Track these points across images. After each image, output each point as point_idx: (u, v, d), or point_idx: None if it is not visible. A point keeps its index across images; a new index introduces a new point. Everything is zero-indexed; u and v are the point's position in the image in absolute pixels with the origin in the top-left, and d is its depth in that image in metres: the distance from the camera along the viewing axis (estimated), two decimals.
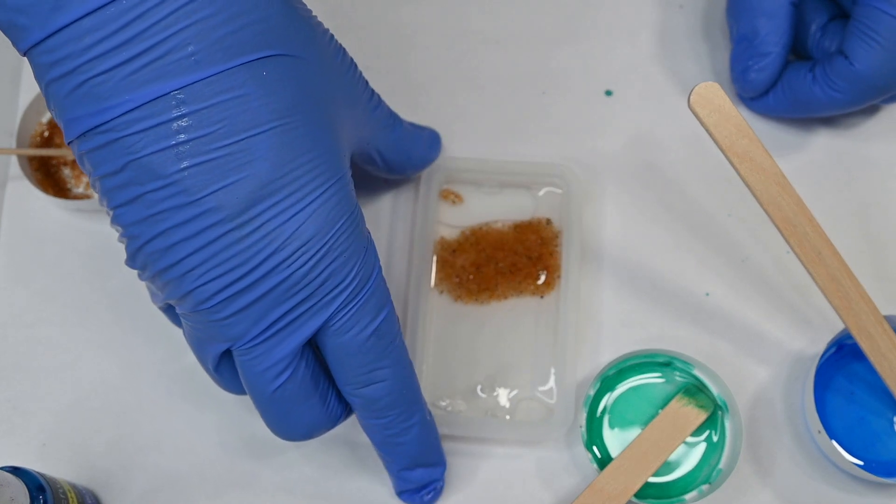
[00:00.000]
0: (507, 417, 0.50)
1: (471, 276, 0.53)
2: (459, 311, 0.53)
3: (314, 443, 0.51)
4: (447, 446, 0.51)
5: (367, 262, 0.41)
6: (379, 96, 0.48)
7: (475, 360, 0.52)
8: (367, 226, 0.55)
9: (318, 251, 0.39)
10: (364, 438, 0.51)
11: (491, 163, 0.55)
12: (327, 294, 0.40)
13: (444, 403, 0.51)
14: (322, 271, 0.39)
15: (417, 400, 0.44)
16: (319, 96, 0.40)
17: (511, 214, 0.54)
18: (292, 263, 0.38)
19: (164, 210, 0.37)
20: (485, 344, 0.52)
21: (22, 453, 0.51)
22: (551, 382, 0.51)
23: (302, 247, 0.38)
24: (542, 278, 0.53)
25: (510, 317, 0.52)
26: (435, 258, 0.53)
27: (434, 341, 0.52)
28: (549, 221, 0.54)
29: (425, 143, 0.54)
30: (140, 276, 0.41)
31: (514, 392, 0.51)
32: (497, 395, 0.51)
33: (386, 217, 0.55)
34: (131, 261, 0.40)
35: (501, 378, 0.51)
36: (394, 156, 0.51)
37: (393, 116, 0.50)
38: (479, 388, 0.51)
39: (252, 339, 0.40)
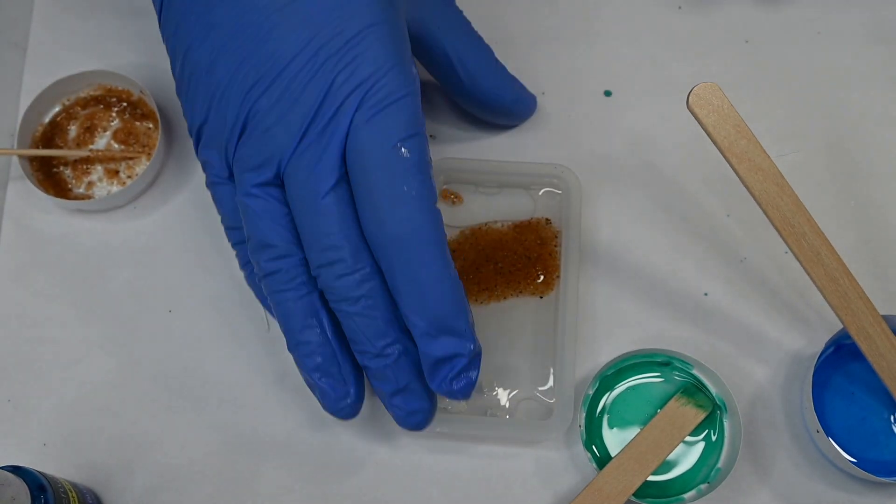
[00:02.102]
0: (507, 417, 0.51)
1: (470, 277, 0.53)
2: None
3: (314, 444, 0.51)
4: (447, 445, 0.51)
5: (400, 73, 0.42)
6: (459, 9, 0.51)
7: None
8: None
9: (351, 39, 0.41)
10: (365, 441, 0.51)
11: (490, 163, 0.55)
12: (357, 86, 0.41)
13: (444, 403, 0.51)
14: (353, 60, 0.41)
15: (439, 245, 0.43)
16: None
17: (510, 215, 0.54)
18: (328, 50, 0.41)
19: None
20: (484, 344, 0.52)
21: (23, 453, 0.51)
22: (551, 382, 0.51)
23: (337, 35, 0.41)
24: (542, 278, 0.53)
25: (509, 317, 0.52)
26: None
27: None
28: (548, 221, 0.54)
29: (519, 85, 0.54)
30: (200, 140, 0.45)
31: (514, 392, 0.51)
32: (497, 395, 0.51)
33: None
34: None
35: (501, 378, 0.51)
36: (476, 67, 0.51)
37: (476, 33, 0.52)
38: (478, 387, 0.51)
39: (296, 147, 0.42)
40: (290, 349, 0.46)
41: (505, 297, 0.53)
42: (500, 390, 0.51)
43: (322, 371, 0.45)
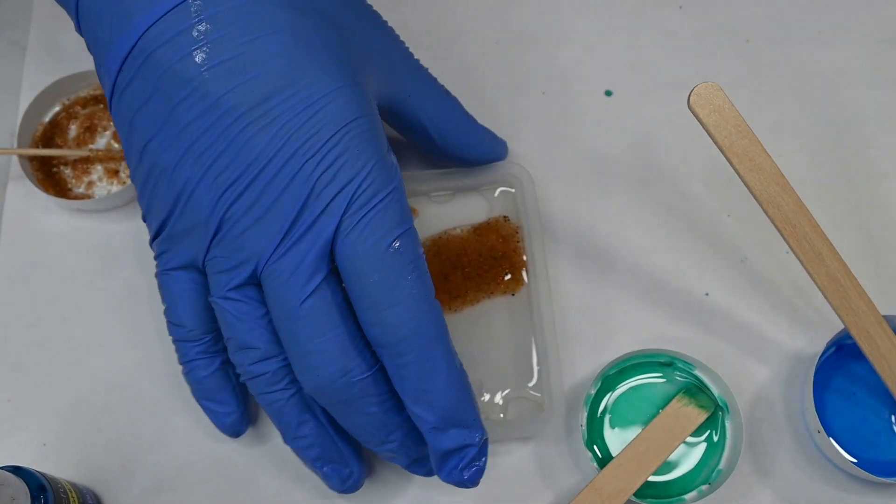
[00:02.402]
0: (501, 416, 0.50)
1: (439, 286, 0.52)
2: None
3: None
4: None
5: (383, 169, 0.41)
6: (425, 69, 0.50)
7: None
8: None
9: (329, 140, 0.40)
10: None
11: (438, 172, 0.54)
12: (342, 189, 0.40)
13: None
14: (333, 162, 0.40)
15: (442, 339, 0.42)
16: (332, 15, 0.43)
17: (468, 219, 0.54)
18: (305, 152, 0.40)
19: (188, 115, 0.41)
20: (465, 350, 0.51)
21: (23, 453, 0.51)
22: (537, 377, 0.51)
23: (314, 136, 0.40)
24: (510, 276, 0.53)
25: (486, 320, 0.52)
26: None
27: None
28: (506, 218, 0.54)
29: (490, 136, 0.53)
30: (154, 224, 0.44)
31: (505, 392, 0.51)
32: (486, 399, 0.51)
33: None
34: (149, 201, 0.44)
35: (489, 381, 0.51)
36: (448, 127, 0.50)
37: (444, 91, 0.51)
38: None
39: (275, 250, 0.41)
40: (286, 442, 0.46)
41: (477, 301, 0.52)
42: (488, 394, 0.51)
43: (323, 460, 0.46)
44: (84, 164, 0.56)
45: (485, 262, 0.53)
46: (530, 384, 0.51)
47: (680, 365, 0.50)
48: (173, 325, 0.47)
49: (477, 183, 0.54)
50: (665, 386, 0.50)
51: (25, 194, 0.56)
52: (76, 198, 0.56)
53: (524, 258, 0.52)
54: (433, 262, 0.53)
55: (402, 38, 0.59)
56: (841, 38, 0.59)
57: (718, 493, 0.47)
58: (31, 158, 0.56)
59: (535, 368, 0.51)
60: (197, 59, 0.40)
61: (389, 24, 0.59)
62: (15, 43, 0.60)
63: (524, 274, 0.52)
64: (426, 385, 0.42)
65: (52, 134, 0.57)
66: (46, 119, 0.58)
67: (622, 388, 0.50)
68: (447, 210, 0.54)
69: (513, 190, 0.54)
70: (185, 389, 0.52)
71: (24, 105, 0.57)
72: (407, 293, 0.41)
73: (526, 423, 0.50)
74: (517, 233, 0.53)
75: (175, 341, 0.47)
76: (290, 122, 0.40)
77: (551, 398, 0.49)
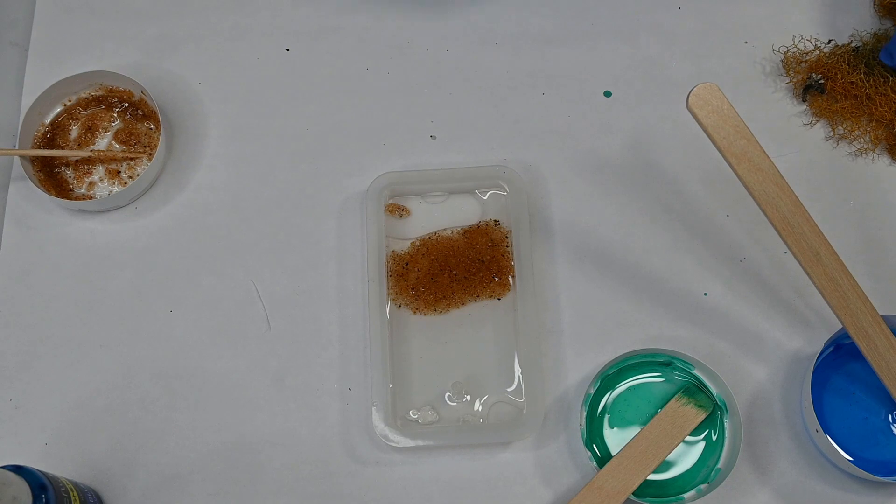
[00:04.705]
0: (481, 421, 0.50)
1: (426, 287, 0.53)
2: (419, 322, 0.52)
3: (314, 444, 0.51)
4: (442, 450, 0.51)
5: None
6: None
7: (441, 370, 0.52)
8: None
9: None
10: (365, 442, 0.51)
11: (433, 172, 0.54)
12: None
13: (414, 416, 0.51)
14: None
15: None
16: None
17: (459, 221, 0.54)
18: None
19: None
20: (450, 353, 0.52)
21: (24, 452, 0.51)
22: (518, 382, 0.51)
23: None
24: (497, 280, 0.53)
25: (470, 322, 0.52)
26: (389, 273, 0.53)
27: (398, 357, 0.52)
28: (496, 223, 0.54)
29: None
30: None
31: (485, 396, 0.51)
32: (467, 401, 0.51)
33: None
34: None
35: (470, 384, 0.51)
36: None
37: None
38: (447, 396, 0.51)
39: None
40: None
41: (463, 304, 0.53)
42: (469, 396, 0.51)
43: None
44: (85, 164, 0.57)
45: (472, 265, 0.53)
46: (510, 389, 0.51)
47: (679, 364, 0.50)
48: None
49: (471, 186, 0.55)
50: (664, 385, 0.50)
51: (27, 195, 0.56)
52: (77, 198, 0.56)
53: (512, 263, 0.53)
54: (422, 263, 0.53)
55: (401, 38, 0.59)
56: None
57: (717, 492, 0.47)
58: (33, 159, 0.56)
59: (517, 374, 0.51)
60: None
61: (389, 23, 0.60)
62: (17, 44, 0.60)
63: (511, 279, 0.52)
64: None
65: (53, 135, 0.57)
66: (48, 120, 0.58)
67: (621, 387, 0.50)
68: (440, 211, 0.55)
69: (505, 194, 0.54)
70: (185, 389, 0.52)
71: (25, 106, 0.57)
72: None
73: (504, 427, 0.50)
74: (507, 238, 0.53)
75: None
76: None
77: (532, 404, 0.49)
